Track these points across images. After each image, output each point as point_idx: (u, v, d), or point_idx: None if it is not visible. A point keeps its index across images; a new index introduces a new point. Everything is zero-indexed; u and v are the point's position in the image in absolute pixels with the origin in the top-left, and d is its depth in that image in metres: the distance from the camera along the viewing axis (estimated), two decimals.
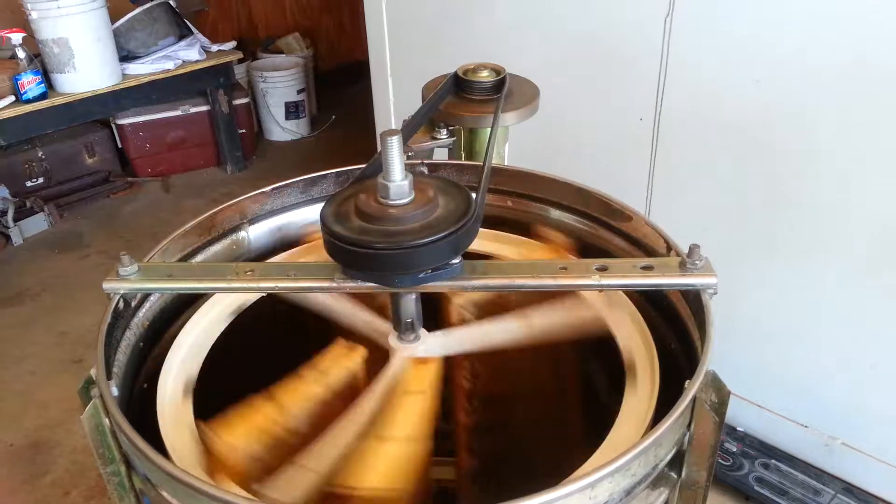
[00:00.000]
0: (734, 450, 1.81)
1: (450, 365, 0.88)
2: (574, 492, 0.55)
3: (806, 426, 1.76)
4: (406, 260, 0.69)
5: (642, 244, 0.90)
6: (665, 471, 0.66)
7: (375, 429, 0.75)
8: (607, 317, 0.85)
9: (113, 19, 3.05)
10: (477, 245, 0.96)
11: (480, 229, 0.77)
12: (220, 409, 0.75)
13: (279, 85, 3.93)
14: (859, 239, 1.50)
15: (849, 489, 1.70)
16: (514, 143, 1.22)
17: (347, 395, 0.81)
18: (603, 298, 0.87)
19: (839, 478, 1.73)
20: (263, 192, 1.01)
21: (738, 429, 1.87)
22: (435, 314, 0.91)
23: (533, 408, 1.00)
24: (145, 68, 3.19)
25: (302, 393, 0.79)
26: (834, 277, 1.57)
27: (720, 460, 1.78)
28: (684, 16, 1.56)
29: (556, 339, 0.84)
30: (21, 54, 2.80)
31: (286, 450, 0.75)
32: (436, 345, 0.85)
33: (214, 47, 3.45)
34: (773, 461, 1.78)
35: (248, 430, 0.75)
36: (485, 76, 1.12)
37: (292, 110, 4.03)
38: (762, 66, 1.49)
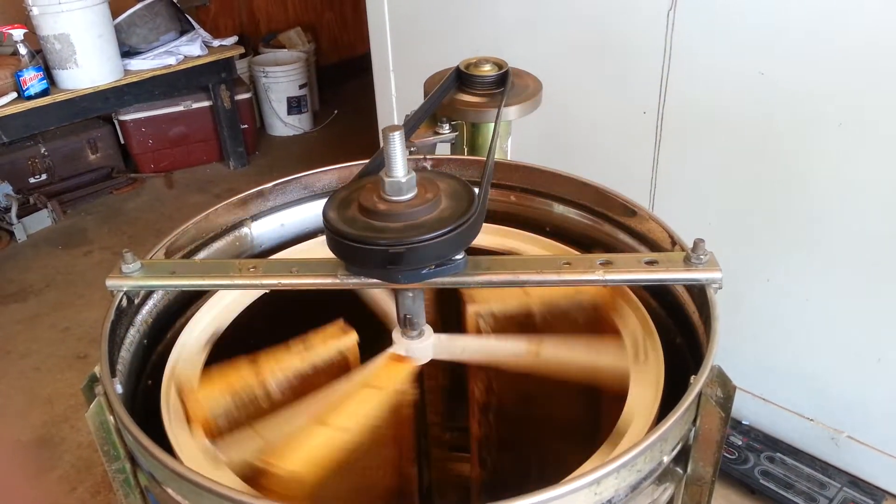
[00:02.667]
0: (739, 443, 1.81)
1: (465, 374, 0.88)
2: (579, 488, 0.55)
3: (811, 419, 1.76)
4: (409, 256, 0.68)
5: (647, 239, 0.90)
6: (671, 466, 0.66)
7: (325, 413, 0.76)
8: (629, 368, 0.80)
9: (114, 15, 3.05)
10: (482, 240, 0.96)
11: (485, 224, 0.77)
12: None
13: (281, 80, 3.92)
14: (866, 232, 1.49)
15: (854, 482, 1.70)
16: (518, 138, 1.22)
17: (333, 374, 0.82)
18: (633, 351, 0.82)
19: (845, 471, 1.72)
20: (265, 189, 1.01)
21: (743, 422, 1.86)
22: (451, 316, 0.91)
23: (545, 417, 0.99)
24: (147, 64, 3.19)
25: (284, 363, 0.81)
26: (840, 271, 1.56)
27: (725, 454, 1.78)
28: (687, 9, 1.55)
29: (561, 375, 0.82)
30: (23, 50, 2.80)
31: (258, 412, 0.77)
32: (438, 345, 0.85)
33: (216, 42, 3.44)
34: (779, 454, 1.77)
35: (222, 387, 0.78)
36: (487, 70, 1.11)
37: (294, 105, 4.02)
38: (766, 58, 1.48)
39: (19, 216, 3.13)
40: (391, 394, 0.80)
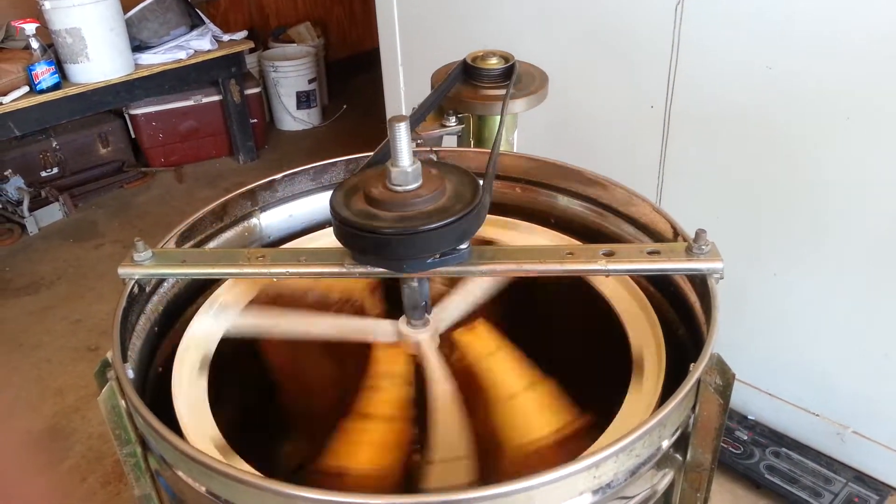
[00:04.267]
0: (745, 438, 1.81)
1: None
2: (578, 471, 0.56)
3: (817, 415, 1.76)
4: (414, 245, 0.70)
5: (650, 230, 0.91)
6: (670, 452, 0.67)
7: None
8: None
9: (125, 9, 3.07)
10: (486, 231, 0.97)
11: (490, 216, 0.78)
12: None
13: (290, 74, 3.93)
14: (873, 227, 1.49)
15: (860, 477, 1.70)
16: (524, 131, 1.23)
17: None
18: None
19: (850, 466, 1.73)
20: (274, 180, 1.02)
21: (749, 417, 1.87)
22: None
23: None
24: (157, 58, 3.21)
25: None
26: (847, 266, 1.56)
27: (731, 448, 1.78)
28: (695, 3, 1.55)
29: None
30: (35, 45, 2.83)
31: None
32: (443, 324, 0.87)
33: (226, 37, 3.46)
34: (784, 449, 1.78)
35: None
36: (494, 63, 1.12)
37: (303, 100, 4.03)
38: (774, 52, 1.48)
39: (31, 209, 3.16)
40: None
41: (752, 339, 1.77)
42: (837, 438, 1.74)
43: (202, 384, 0.80)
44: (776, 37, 1.47)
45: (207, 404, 0.77)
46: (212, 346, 0.85)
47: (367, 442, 0.77)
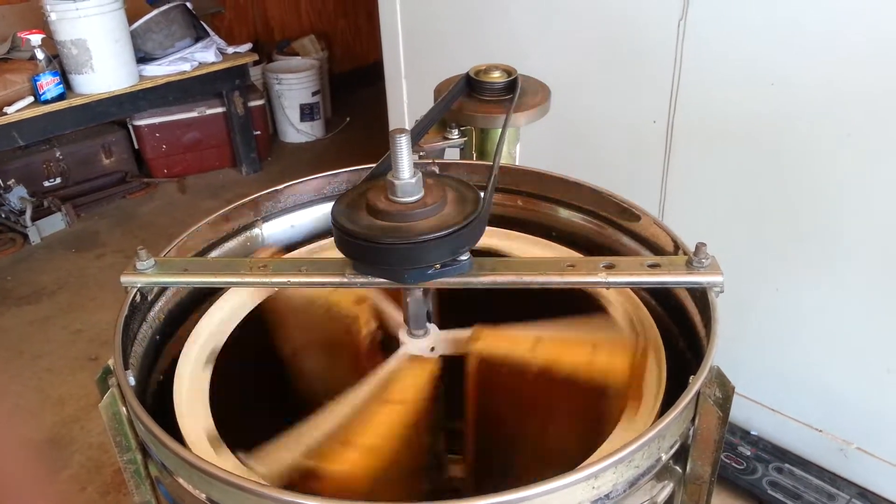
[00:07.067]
0: (748, 453, 1.80)
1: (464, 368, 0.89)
2: (577, 481, 0.56)
3: (820, 430, 1.75)
4: (414, 255, 0.70)
5: (651, 244, 0.91)
6: (669, 464, 0.67)
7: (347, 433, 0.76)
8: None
9: (130, 21, 3.09)
10: (487, 243, 0.97)
11: (491, 228, 0.78)
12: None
13: (294, 87, 3.96)
14: (877, 242, 1.49)
15: (863, 494, 1.69)
16: (527, 145, 1.23)
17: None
18: (632, 328, 0.86)
19: (854, 482, 1.72)
20: (277, 190, 1.03)
21: (752, 432, 1.86)
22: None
23: (546, 414, 1.00)
24: (162, 70, 3.22)
25: None
26: (850, 281, 1.56)
27: (734, 464, 1.77)
28: (698, 19, 1.56)
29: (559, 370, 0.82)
30: (40, 55, 2.85)
31: None
32: (443, 342, 0.87)
33: (230, 49, 3.48)
34: (787, 465, 1.77)
35: None
36: (497, 77, 1.13)
37: (307, 112, 4.05)
38: (777, 69, 1.49)
39: (33, 219, 3.17)
40: (414, 407, 0.80)
41: (755, 354, 1.77)
42: (841, 454, 1.73)
43: (206, 377, 0.80)
44: (779, 53, 1.47)
45: (207, 396, 0.77)
46: (217, 345, 0.85)
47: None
